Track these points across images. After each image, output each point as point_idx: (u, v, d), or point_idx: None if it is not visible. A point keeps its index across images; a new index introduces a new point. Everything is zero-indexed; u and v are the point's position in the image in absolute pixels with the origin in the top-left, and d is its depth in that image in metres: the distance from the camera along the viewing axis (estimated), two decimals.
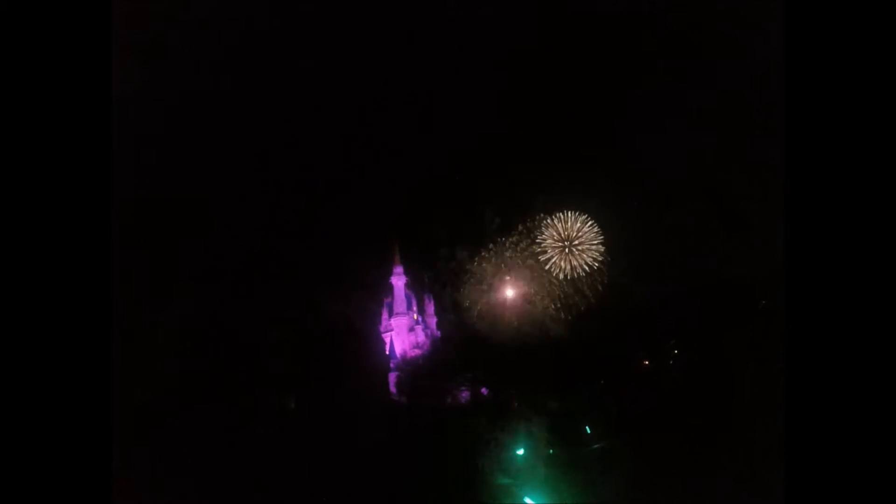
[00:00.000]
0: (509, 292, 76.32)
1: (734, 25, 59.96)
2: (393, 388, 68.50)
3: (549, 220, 76.62)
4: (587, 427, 57.42)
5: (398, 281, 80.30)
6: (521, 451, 55.29)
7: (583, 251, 76.36)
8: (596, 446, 56.84)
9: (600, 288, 74.87)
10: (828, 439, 14.51)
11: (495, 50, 75.87)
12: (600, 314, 68.90)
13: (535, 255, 76.49)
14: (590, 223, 75.47)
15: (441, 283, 78.67)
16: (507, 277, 76.21)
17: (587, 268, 74.64)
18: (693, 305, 59.02)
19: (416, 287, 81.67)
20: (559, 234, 76.95)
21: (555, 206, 76.52)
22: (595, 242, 75.57)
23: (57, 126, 15.52)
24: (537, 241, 75.95)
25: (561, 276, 76.58)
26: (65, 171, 15.58)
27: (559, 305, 75.12)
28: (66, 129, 15.61)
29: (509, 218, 77.44)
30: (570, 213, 76.66)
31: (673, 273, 66.28)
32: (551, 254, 76.59)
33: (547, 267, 75.60)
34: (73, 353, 15.19)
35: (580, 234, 76.58)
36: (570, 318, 73.81)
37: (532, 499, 52.90)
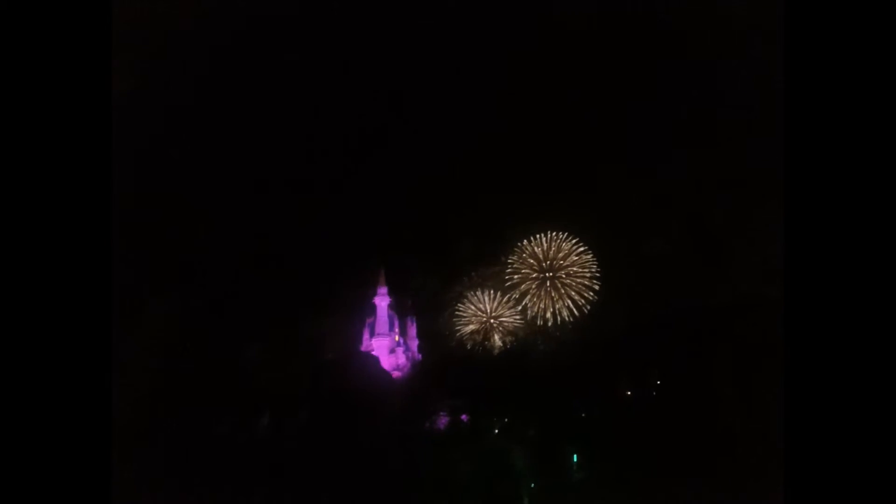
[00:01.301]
0: (490, 321, 76.34)
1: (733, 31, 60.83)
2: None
3: (524, 243, 75.86)
4: (574, 455, 56.39)
5: (381, 301, 79.52)
6: (502, 480, 53.96)
7: (569, 280, 75.86)
8: (578, 476, 55.79)
9: (581, 313, 75.07)
10: (827, 440, 14.40)
11: (478, 63, 76.46)
12: (581, 343, 68.66)
13: (514, 285, 76.64)
14: (578, 246, 74.96)
15: (419, 310, 78.72)
16: (487, 307, 76.41)
17: (574, 301, 74.11)
18: (674, 334, 58.76)
19: (399, 309, 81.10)
20: (539, 259, 76.40)
21: (534, 231, 77.02)
22: (585, 272, 75.19)
23: (56, 125, 15.47)
24: (510, 267, 75.98)
25: (541, 314, 76.11)
26: (62, 171, 15.52)
27: (540, 337, 75.07)
28: (64, 129, 15.56)
29: (491, 246, 77.75)
30: (551, 234, 76.15)
31: (653, 301, 66.38)
32: (528, 285, 76.25)
33: (523, 303, 75.61)
34: (72, 352, 15.05)
35: (563, 260, 76.16)
36: (551, 345, 73.69)
37: None
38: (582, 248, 76.90)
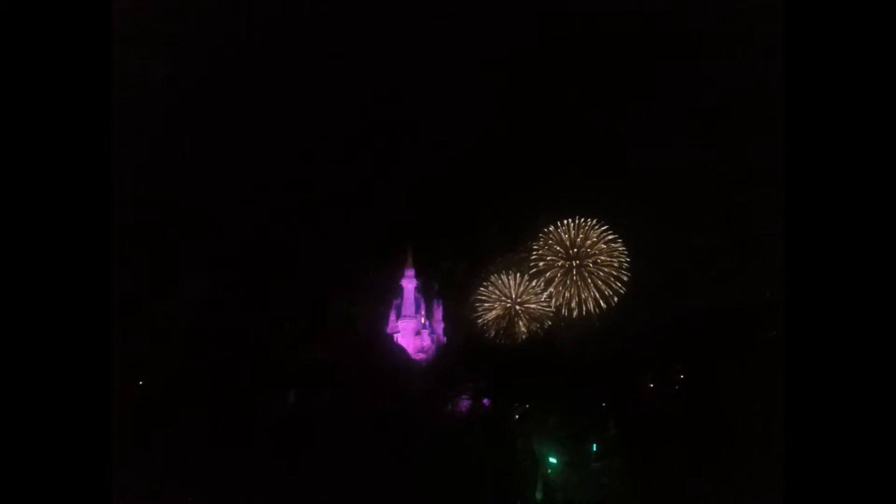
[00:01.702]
0: (515, 307, 76.11)
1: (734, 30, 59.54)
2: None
3: (550, 229, 74.81)
4: (594, 445, 56.59)
5: (409, 284, 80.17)
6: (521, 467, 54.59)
7: (595, 269, 74.86)
8: (596, 465, 56.07)
9: (611, 304, 74.34)
10: (827, 440, 14.45)
11: (498, 56, 75.80)
12: (606, 333, 68.32)
13: (540, 272, 75.99)
14: (607, 234, 73.83)
15: (445, 294, 78.95)
16: (512, 293, 76.14)
17: (600, 292, 73.11)
18: (699, 328, 58.12)
19: (426, 291, 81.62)
20: (565, 246, 75.42)
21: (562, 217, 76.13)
22: (613, 261, 74.02)
23: (56, 125, 15.40)
24: (535, 253, 75.36)
25: (566, 302, 75.46)
26: (65, 168, 15.45)
27: (564, 325, 74.78)
28: (65, 127, 15.48)
29: (519, 232, 77.23)
30: (579, 220, 74.85)
31: (680, 294, 65.51)
32: (554, 272, 75.44)
33: (548, 290, 74.91)
34: (72, 352, 15.09)
35: (591, 248, 75.14)
36: (579, 329, 73.38)
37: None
38: (611, 236, 75.82)
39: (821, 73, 14.79)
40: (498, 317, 76.13)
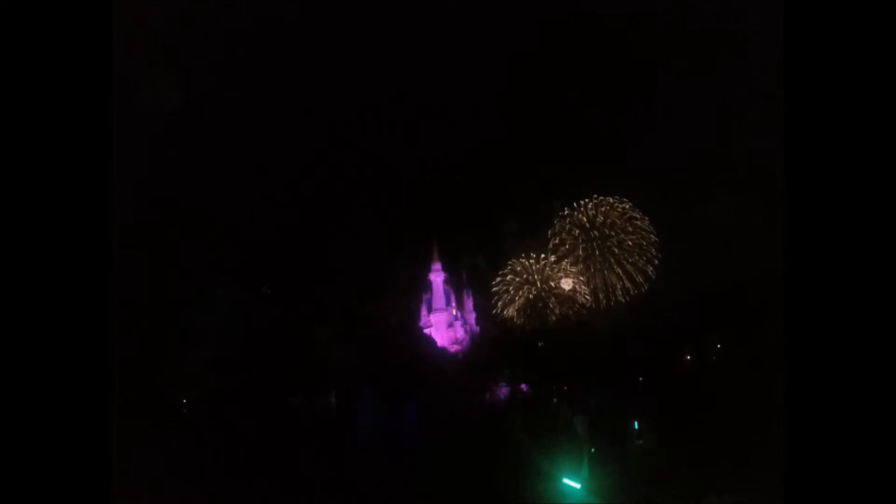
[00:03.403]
0: (543, 289, 75.87)
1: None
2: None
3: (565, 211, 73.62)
4: (635, 423, 56.35)
5: (437, 277, 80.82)
6: (562, 450, 54.64)
7: (624, 252, 74.00)
8: (639, 442, 55.86)
9: (647, 277, 73.43)
10: (827, 440, 14.08)
11: (502, 53, 75.57)
12: (640, 308, 67.80)
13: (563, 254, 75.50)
14: (627, 210, 72.56)
15: (473, 284, 79.15)
16: (543, 275, 75.83)
17: (627, 273, 71.94)
18: (736, 300, 57.32)
19: (455, 283, 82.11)
20: (584, 227, 74.65)
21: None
22: (641, 240, 72.94)
23: (55, 126, 15.36)
24: (556, 237, 74.65)
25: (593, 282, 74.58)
26: (68, 170, 15.43)
27: (598, 298, 74.25)
28: (64, 130, 15.42)
29: (539, 220, 76.87)
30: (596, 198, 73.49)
31: (714, 267, 64.60)
32: (575, 254, 74.78)
33: (572, 269, 74.22)
34: (72, 352, 15.05)
35: (611, 227, 74.19)
36: (610, 308, 72.80)
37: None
38: (633, 214, 75.07)
39: (821, 73, 14.64)
40: (528, 300, 76.06)
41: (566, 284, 73.80)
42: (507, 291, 77.12)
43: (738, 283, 59.35)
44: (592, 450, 54.72)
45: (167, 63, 59.93)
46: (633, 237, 74.97)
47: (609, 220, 75.53)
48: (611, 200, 75.56)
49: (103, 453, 15.21)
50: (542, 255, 76.73)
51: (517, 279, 76.82)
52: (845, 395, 13.87)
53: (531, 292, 76.07)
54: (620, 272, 74.99)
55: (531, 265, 76.34)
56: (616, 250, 75.45)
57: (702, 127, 70.32)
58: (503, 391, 64.61)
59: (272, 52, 72.79)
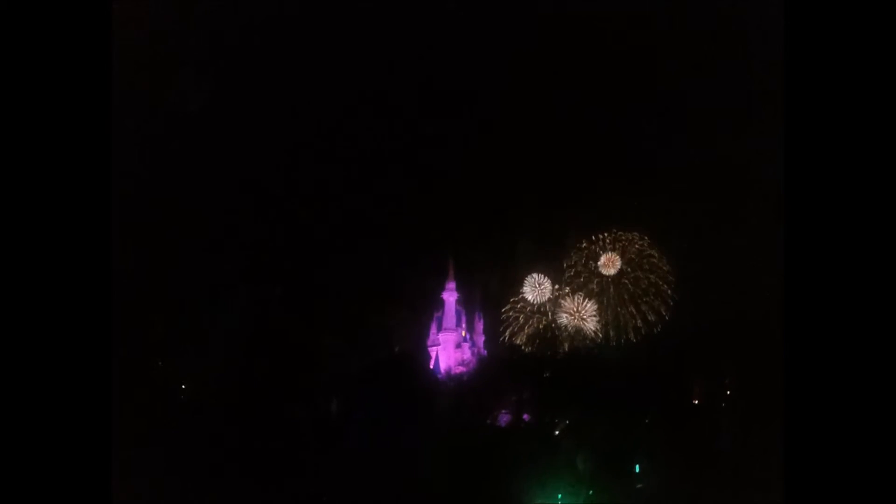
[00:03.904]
0: (559, 319, 75.04)
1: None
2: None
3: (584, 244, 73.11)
4: (636, 465, 55.02)
5: (450, 296, 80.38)
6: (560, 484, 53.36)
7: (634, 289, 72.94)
8: (640, 486, 54.44)
9: (660, 315, 72.33)
10: (828, 439, 13.99)
11: (502, 58, 75.85)
12: (651, 345, 66.65)
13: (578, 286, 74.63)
14: (645, 248, 71.82)
15: (486, 307, 78.70)
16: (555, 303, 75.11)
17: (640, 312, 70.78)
18: (748, 339, 55.95)
19: (468, 304, 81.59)
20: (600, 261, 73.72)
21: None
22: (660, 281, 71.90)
23: (55, 127, 15.49)
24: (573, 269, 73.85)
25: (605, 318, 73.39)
26: (68, 171, 15.57)
27: (609, 334, 73.25)
28: (64, 131, 15.56)
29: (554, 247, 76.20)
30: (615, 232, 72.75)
31: (726, 304, 63.21)
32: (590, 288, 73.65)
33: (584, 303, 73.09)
34: (73, 353, 15.13)
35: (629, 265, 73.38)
36: (620, 345, 71.73)
37: None
38: (655, 254, 74.10)
39: (821, 71, 14.51)
40: (536, 330, 75.24)
41: (609, 268, 72.60)
42: (517, 320, 76.40)
43: (747, 317, 57.89)
44: (591, 491, 53.42)
45: (167, 63, 60.64)
46: (651, 275, 73.94)
47: (627, 257, 74.73)
48: (629, 237, 74.76)
49: (103, 453, 15.21)
50: (556, 286, 75.99)
51: (528, 308, 76.17)
52: (850, 432, 13.63)
53: (541, 322, 75.33)
54: (634, 310, 73.95)
55: (540, 292, 75.70)
56: (631, 288, 74.48)
57: (702, 128, 69.52)
58: (504, 418, 63.46)
59: (275, 51, 73.32)
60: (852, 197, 14.02)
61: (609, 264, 74.34)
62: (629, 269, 75.13)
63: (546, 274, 76.59)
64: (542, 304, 75.85)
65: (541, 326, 75.44)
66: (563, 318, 74.57)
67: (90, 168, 15.75)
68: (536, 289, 75.99)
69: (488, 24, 75.04)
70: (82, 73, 15.69)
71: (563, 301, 75.26)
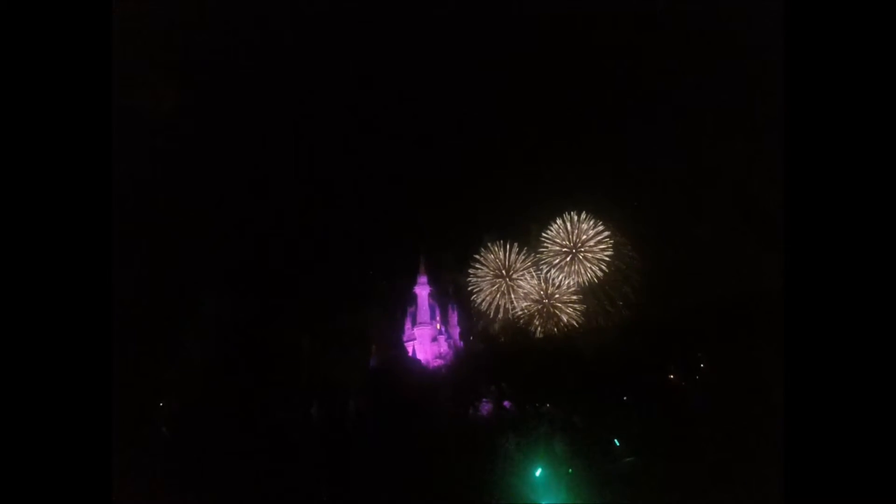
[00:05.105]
0: (528, 306, 75.99)
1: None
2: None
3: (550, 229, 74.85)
4: (616, 441, 56.18)
5: (422, 291, 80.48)
6: (539, 470, 54.26)
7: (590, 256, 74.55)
8: (626, 460, 55.64)
9: (627, 299, 73.82)
10: (828, 439, 14.32)
11: (492, 53, 76.40)
12: (625, 327, 67.95)
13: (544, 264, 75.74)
14: (596, 225, 73.70)
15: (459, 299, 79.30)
16: (525, 293, 76.06)
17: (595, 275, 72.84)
18: (721, 318, 57.60)
19: (440, 297, 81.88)
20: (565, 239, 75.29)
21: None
22: (603, 246, 73.95)
23: (55, 128, 15.51)
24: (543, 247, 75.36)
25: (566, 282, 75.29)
26: (68, 171, 15.70)
27: (582, 317, 74.49)
28: (64, 131, 15.57)
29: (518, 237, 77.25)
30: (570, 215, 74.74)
31: (699, 285, 64.90)
32: (558, 261, 75.31)
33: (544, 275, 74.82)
34: (73, 354, 15.25)
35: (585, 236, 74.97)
36: (596, 327, 72.99)
37: None
38: (601, 228, 75.54)
39: (821, 71, 14.81)
40: (527, 314, 75.80)
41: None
42: (478, 286, 77.37)
43: (725, 300, 59.67)
44: (570, 470, 54.49)
45: (167, 64, 59.76)
46: (609, 258, 75.23)
47: (584, 237, 75.95)
48: (577, 219, 75.93)
49: (103, 452, 15.36)
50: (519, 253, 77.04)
51: (489, 272, 77.13)
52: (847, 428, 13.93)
53: (501, 288, 76.08)
54: (602, 295, 75.29)
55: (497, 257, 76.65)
56: (591, 271, 75.73)
57: (701, 128, 71.04)
58: (485, 408, 64.14)
59: (272, 54, 72.78)
60: (852, 195, 14.23)
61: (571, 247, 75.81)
62: (590, 254, 76.33)
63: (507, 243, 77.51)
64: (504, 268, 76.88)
65: (511, 313, 76.32)
66: (531, 303, 75.67)
67: (90, 168, 15.84)
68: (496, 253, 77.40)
69: (486, 23, 75.12)
70: (82, 72, 15.72)
71: (523, 283, 76.36)
